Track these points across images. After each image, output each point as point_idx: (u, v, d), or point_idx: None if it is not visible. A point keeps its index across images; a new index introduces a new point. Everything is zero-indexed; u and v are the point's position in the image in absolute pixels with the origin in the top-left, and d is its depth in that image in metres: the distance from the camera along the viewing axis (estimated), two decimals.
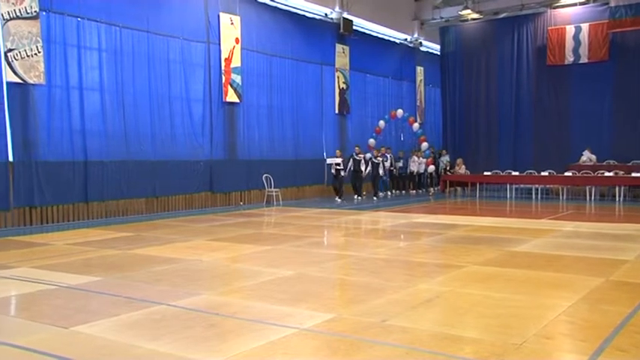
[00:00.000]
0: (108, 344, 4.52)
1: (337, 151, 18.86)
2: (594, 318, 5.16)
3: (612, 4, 19.67)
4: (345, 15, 20.81)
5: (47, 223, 12.56)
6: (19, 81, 11.91)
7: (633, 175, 17.70)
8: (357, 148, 18.45)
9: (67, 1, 12.87)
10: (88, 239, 10.36)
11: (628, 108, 19.81)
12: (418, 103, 26.13)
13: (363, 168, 18.60)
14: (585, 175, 18.58)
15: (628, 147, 19.56)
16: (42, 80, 12.28)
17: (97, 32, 13.55)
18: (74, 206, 13.11)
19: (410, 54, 25.53)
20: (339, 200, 17.86)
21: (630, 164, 18.95)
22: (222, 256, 8.52)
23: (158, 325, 4.98)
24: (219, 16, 16.45)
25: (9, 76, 11.76)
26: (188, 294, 6.09)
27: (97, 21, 13.50)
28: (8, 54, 11.70)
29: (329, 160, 18.75)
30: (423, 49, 26.16)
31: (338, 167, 18.11)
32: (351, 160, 18.09)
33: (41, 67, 12.22)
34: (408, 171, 21.46)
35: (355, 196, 18.66)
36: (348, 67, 21.55)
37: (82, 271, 7.41)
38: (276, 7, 18.65)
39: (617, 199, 17.75)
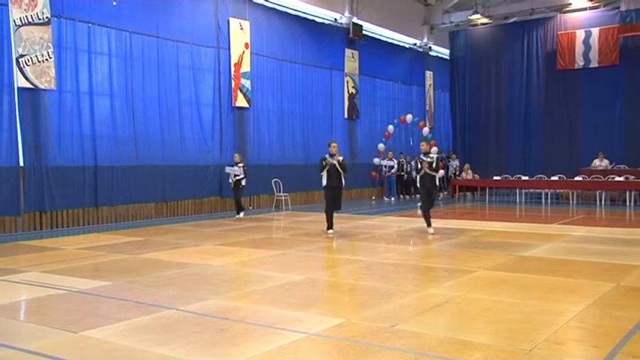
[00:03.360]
0: (117, 348, 4.54)
1: (236, 154, 15.18)
2: (605, 323, 5.11)
3: (623, 9, 19.55)
4: (355, 20, 20.83)
5: (57, 227, 12.64)
6: (31, 86, 12.02)
7: None
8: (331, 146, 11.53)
9: (78, 7, 12.99)
10: (98, 244, 10.41)
11: (639, 112, 19.66)
12: (427, 108, 26.08)
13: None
14: (596, 179, 18.45)
15: (639, 151, 19.41)
16: (53, 85, 12.39)
17: (108, 38, 13.66)
18: (84, 211, 13.19)
19: (419, 59, 25.51)
20: (240, 215, 14.82)
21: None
22: (231, 261, 8.53)
23: (167, 330, 4.99)
24: (228, 21, 16.53)
25: (20, 82, 11.87)
26: (197, 299, 6.10)
27: (108, 26, 13.60)
28: (20, 60, 11.81)
29: (227, 169, 14.97)
30: (432, 53, 26.13)
31: (237, 177, 14.71)
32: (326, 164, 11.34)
33: (52, 72, 12.33)
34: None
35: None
36: (357, 72, 21.56)
37: (91, 276, 7.45)
38: (285, 12, 18.71)
39: (627, 204, 17.60)
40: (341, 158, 11.35)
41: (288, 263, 8.27)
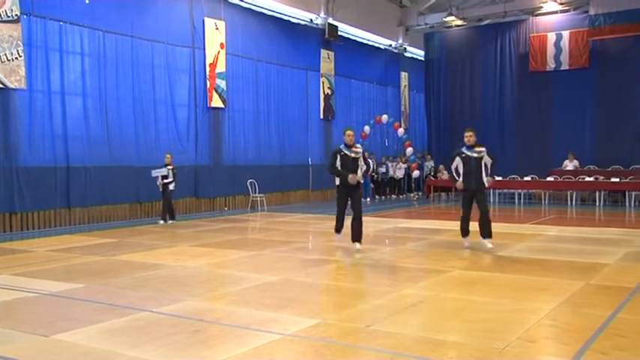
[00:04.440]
0: (90, 352, 4.47)
1: (167, 155, 13.67)
2: (576, 321, 5.22)
3: (592, 13, 19.98)
4: (330, 21, 20.88)
5: (28, 229, 12.40)
6: (0, 85, 11.79)
7: (612, 180, 17.96)
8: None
9: (49, 5, 12.77)
10: (71, 245, 10.25)
11: (608, 114, 20.08)
12: (403, 109, 26.26)
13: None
14: (567, 180, 18.80)
15: (609, 152, 19.84)
16: (23, 85, 12.15)
17: (80, 37, 13.45)
18: (56, 212, 12.97)
19: (395, 60, 25.67)
20: (162, 222, 13.54)
21: (610, 169, 19.21)
22: (206, 262, 8.48)
23: (141, 332, 4.93)
24: (204, 21, 16.42)
25: None
26: (172, 300, 6.05)
27: (80, 25, 13.40)
28: None
29: (154, 173, 13.44)
30: (407, 54, 26.31)
31: (165, 180, 13.35)
32: None
33: (22, 71, 12.10)
34: (388, 176, 21.57)
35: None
36: (333, 73, 21.61)
37: (64, 278, 7.33)
38: (261, 13, 18.65)
39: (597, 203, 17.97)
40: (360, 149, 9.27)
41: (264, 264, 8.25)
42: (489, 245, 8.96)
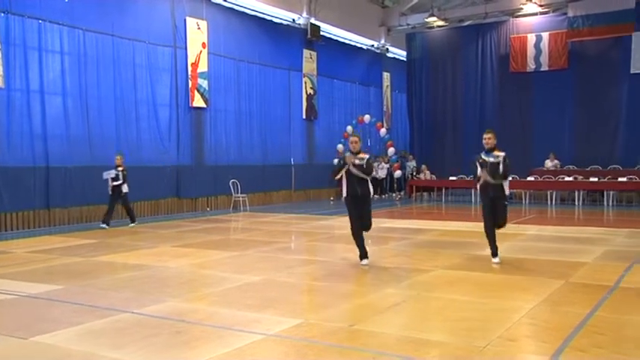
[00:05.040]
0: (69, 354, 4.42)
1: (117, 156, 13.01)
2: (555, 319, 5.29)
3: (570, 15, 20.29)
4: (313, 21, 20.88)
5: (7, 230, 12.21)
6: None
7: (591, 179, 18.22)
8: None
9: (27, 3, 12.59)
10: (50, 247, 10.12)
11: (587, 114, 20.36)
12: (385, 109, 26.36)
13: None
14: (547, 180, 19.04)
15: (588, 152, 20.11)
16: (1, 84, 11.97)
17: (60, 35, 13.29)
18: (35, 213, 12.79)
19: (377, 60, 25.76)
20: (104, 226, 12.61)
21: (589, 169, 19.48)
22: (188, 263, 8.43)
23: (123, 334, 4.89)
24: (185, 20, 16.32)
25: None
26: (154, 301, 6.01)
27: (60, 24, 13.23)
28: None
29: (105, 175, 12.81)
30: (389, 55, 26.42)
31: (115, 182, 12.76)
32: None
33: (0, 70, 11.91)
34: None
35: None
36: (315, 73, 21.61)
37: (43, 280, 7.23)
38: (243, 12, 18.59)
39: (576, 203, 18.21)
40: (366, 156, 8.18)
41: (246, 264, 8.23)
42: (494, 260, 8.07)
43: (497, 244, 8.20)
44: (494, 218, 8.16)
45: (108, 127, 14.34)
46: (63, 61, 13.39)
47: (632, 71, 19.42)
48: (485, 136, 8.28)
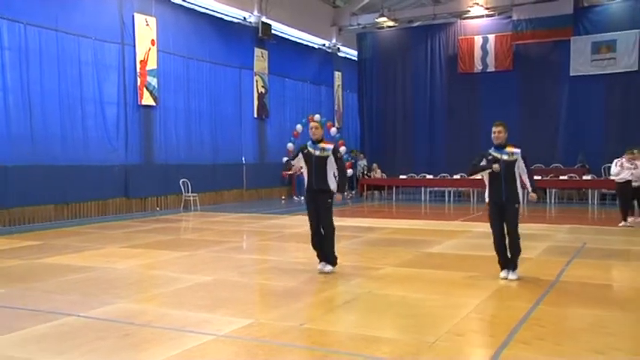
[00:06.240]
0: None
1: None
2: (501, 314, 5.46)
3: (515, 18, 20.96)
4: (264, 19, 20.77)
5: None
6: None
7: (535, 178, 18.78)
8: None
9: None
10: None
11: (530, 115, 21.01)
12: (336, 108, 26.50)
13: None
14: None
15: (531, 151, 20.59)
16: None
17: None
18: None
19: (328, 59, 25.86)
20: None
21: (532, 168, 20.09)
22: (137, 263, 8.26)
23: (67, 338, 4.76)
24: (133, 16, 15.95)
25: None
26: (101, 303, 5.86)
27: None
28: None
29: None
30: (340, 54, 26.56)
31: None
32: None
33: None
34: None
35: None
36: (267, 72, 21.51)
37: None
38: (193, 10, 18.31)
39: (520, 200, 18.75)
40: (329, 146, 7.23)
41: (197, 264, 8.13)
42: (512, 277, 6.80)
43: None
44: (502, 226, 6.95)
45: (52, 124, 13.87)
46: (3, 55, 12.86)
47: (571, 73, 20.23)
48: (494, 129, 7.12)
